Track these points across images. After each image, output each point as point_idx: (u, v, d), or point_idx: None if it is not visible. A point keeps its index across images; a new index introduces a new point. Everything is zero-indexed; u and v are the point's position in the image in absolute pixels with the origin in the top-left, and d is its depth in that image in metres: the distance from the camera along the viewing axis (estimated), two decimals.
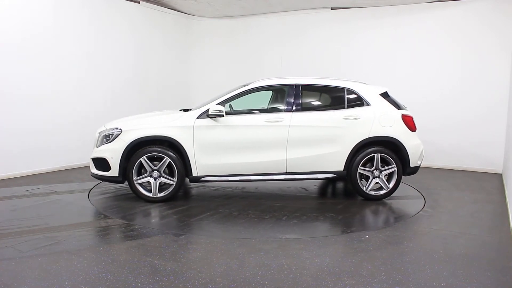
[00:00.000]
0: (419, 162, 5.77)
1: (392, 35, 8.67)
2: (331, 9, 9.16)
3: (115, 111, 8.21)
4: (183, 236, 4.27)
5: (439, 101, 8.30)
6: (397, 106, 5.77)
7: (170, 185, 5.45)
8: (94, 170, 5.60)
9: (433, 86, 8.35)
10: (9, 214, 4.85)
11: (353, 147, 5.55)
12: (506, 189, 6.33)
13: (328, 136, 5.55)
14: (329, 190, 6.55)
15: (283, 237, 4.24)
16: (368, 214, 5.27)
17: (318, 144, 5.54)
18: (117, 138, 5.38)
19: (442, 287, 3.19)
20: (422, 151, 5.77)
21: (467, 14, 8.02)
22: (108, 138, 5.46)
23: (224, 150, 5.45)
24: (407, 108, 5.90)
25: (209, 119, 5.42)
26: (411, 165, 5.66)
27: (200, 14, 10.25)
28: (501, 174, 7.77)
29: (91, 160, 5.62)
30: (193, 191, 6.33)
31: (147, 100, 9.21)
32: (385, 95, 5.81)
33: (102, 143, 5.49)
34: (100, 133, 5.62)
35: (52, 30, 7.21)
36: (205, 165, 5.46)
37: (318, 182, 6.86)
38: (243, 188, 6.46)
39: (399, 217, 5.13)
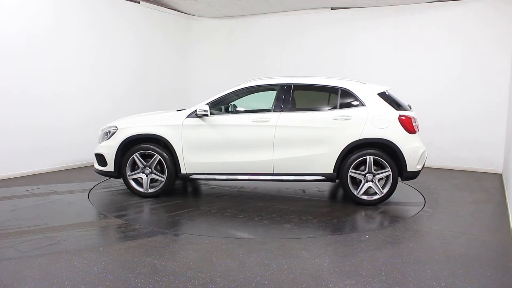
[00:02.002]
0: (418, 167, 5.44)
1: (392, 35, 8.67)
2: (331, 9, 9.16)
3: (115, 111, 8.21)
4: (183, 236, 4.27)
5: (439, 101, 8.30)
6: (397, 106, 5.49)
7: (161, 181, 5.64)
8: (96, 165, 5.92)
9: (433, 86, 8.35)
10: (9, 214, 4.85)
11: (343, 149, 5.33)
12: (506, 189, 6.33)
13: (316, 137, 5.37)
14: (333, 193, 6.48)
15: (239, 237, 4.27)
16: (358, 217, 5.11)
17: (305, 145, 5.38)
18: (113, 135, 5.71)
19: (442, 287, 3.19)
20: (422, 155, 5.41)
21: (467, 14, 8.02)
22: (106, 135, 5.80)
23: (210, 149, 5.53)
24: (411, 109, 5.64)
25: (197, 118, 5.54)
26: (408, 170, 5.34)
27: (200, 14, 10.25)
28: (501, 174, 7.77)
29: (94, 155, 5.92)
30: (194, 188, 6.37)
31: (147, 100, 9.21)
32: (383, 94, 5.56)
33: (102, 140, 5.84)
34: (102, 130, 5.97)
35: (52, 30, 7.20)
36: (193, 163, 5.57)
37: (327, 185, 6.71)
38: (241, 187, 6.47)
39: (399, 217, 5.12)
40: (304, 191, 6.32)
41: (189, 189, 6.46)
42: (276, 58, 9.81)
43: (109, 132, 5.77)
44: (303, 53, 9.55)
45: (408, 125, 5.37)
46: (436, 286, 3.20)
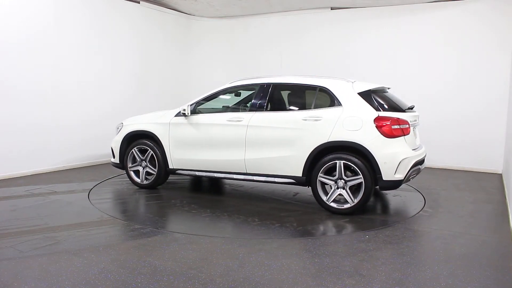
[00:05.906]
0: (398, 176, 4.79)
1: (392, 35, 8.66)
2: (331, 9, 9.15)
3: (115, 111, 8.22)
4: (183, 236, 4.27)
5: (439, 100, 8.29)
6: (388, 107, 5.04)
7: (153, 175, 6.09)
8: (111, 158, 6.51)
9: (433, 85, 8.34)
10: (9, 214, 4.85)
11: (311, 152, 5.01)
12: (506, 189, 6.33)
13: (285, 138, 5.16)
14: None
15: (166, 231, 4.41)
16: (332, 220, 4.85)
17: (274, 146, 5.23)
18: (120, 131, 6.35)
19: (442, 287, 3.19)
20: (402, 162, 4.78)
21: (466, 14, 8.01)
22: (116, 130, 6.46)
23: (191, 146, 5.78)
24: (411, 109, 5.34)
25: (182, 117, 5.84)
26: (384, 178, 4.76)
27: (200, 14, 10.25)
28: (501, 174, 7.77)
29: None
30: (195, 184, 6.49)
31: (147, 100, 9.20)
32: (366, 93, 5.06)
33: (116, 135, 6.44)
34: (117, 126, 6.59)
35: (52, 30, 7.20)
36: (177, 159, 5.90)
37: None
38: (241, 186, 6.51)
39: (399, 217, 5.12)
40: (295, 194, 6.08)
41: (210, 183, 6.65)
42: (276, 58, 9.80)
43: (118, 128, 6.42)
44: (303, 53, 9.54)
45: (385, 128, 4.79)
46: (436, 286, 3.20)
